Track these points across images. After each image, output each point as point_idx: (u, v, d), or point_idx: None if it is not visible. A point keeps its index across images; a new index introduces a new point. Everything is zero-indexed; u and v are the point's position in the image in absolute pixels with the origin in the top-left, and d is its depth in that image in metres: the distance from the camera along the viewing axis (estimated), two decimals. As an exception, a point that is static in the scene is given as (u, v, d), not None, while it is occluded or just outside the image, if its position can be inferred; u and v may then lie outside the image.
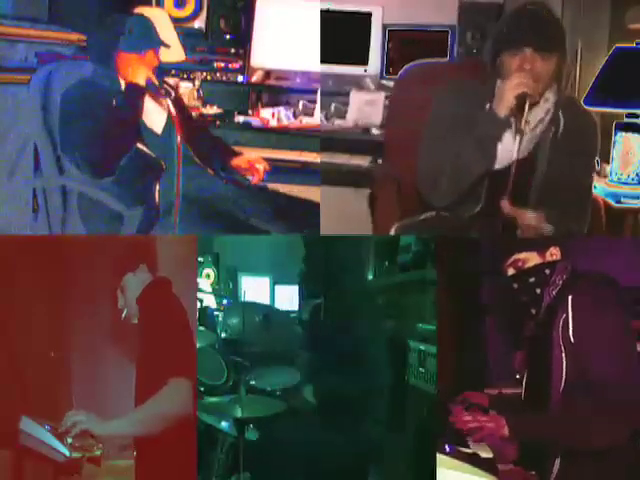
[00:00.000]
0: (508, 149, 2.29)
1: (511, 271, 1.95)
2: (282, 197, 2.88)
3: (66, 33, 3.20)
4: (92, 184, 2.54)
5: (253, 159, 2.75)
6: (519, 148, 2.26)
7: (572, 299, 1.83)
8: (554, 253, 1.94)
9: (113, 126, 2.41)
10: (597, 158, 3.15)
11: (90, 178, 2.50)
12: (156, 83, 2.50)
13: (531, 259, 1.93)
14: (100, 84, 2.50)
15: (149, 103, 2.56)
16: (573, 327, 1.81)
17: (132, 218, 2.53)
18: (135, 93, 2.48)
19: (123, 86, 2.50)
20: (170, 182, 2.53)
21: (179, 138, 2.49)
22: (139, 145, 2.53)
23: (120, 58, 2.48)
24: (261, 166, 2.71)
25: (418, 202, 2.48)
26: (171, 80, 3.59)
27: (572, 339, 1.81)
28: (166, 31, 3.39)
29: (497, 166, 2.30)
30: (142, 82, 2.47)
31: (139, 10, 3.29)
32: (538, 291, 1.91)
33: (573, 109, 2.41)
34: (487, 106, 2.30)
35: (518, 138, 2.25)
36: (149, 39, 2.51)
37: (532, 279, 1.91)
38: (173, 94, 2.63)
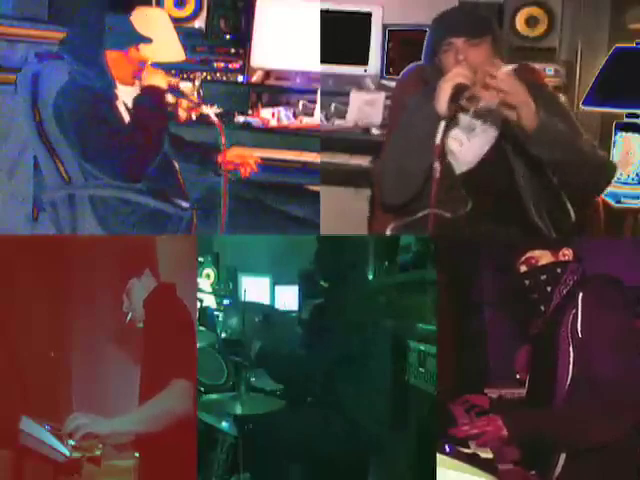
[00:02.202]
0: (468, 148, 2.28)
1: (524, 268, 1.98)
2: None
3: (66, 33, 3.20)
4: (126, 188, 2.56)
5: (244, 153, 2.80)
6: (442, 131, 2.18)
7: (582, 296, 1.85)
8: (566, 254, 1.97)
9: (142, 131, 2.43)
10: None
11: (125, 183, 2.53)
12: (178, 87, 2.53)
13: (544, 257, 1.96)
14: (92, 86, 2.48)
15: None
16: (582, 322, 1.83)
17: (179, 218, 2.58)
18: (159, 96, 2.51)
19: (138, 90, 2.51)
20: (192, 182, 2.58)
21: (223, 138, 2.54)
22: None
23: (108, 57, 2.49)
24: (252, 160, 2.78)
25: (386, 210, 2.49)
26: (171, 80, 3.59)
27: (580, 334, 1.82)
28: (166, 31, 3.41)
29: (466, 167, 2.30)
30: (164, 85, 2.49)
31: (139, 10, 3.30)
32: (549, 289, 1.93)
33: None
34: (428, 104, 2.24)
35: (463, 130, 2.23)
36: (129, 36, 2.52)
37: (544, 276, 1.94)
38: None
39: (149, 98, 2.50)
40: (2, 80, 2.97)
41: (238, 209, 2.64)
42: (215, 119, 2.59)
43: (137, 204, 2.57)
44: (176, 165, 2.71)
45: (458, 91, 2.16)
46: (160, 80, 2.51)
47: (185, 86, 3.66)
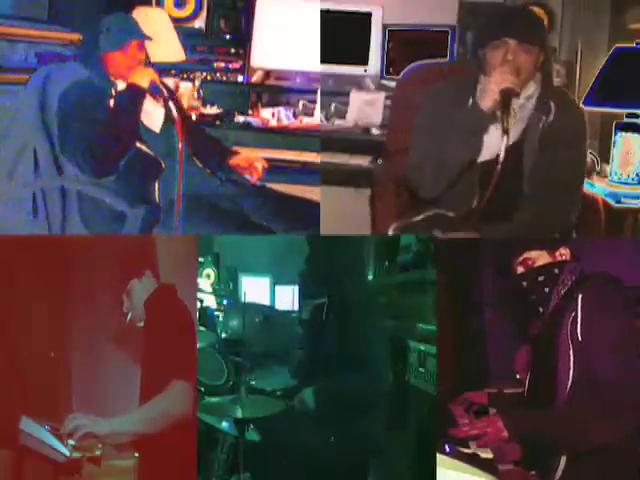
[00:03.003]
0: (494, 141, 2.30)
1: (521, 269, 1.97)
2: (282, 196, 2.90)
3: (66, 33, 3.20)
4: (93, 183, 2.56)
5: (252, 157, 2.76)
6: (506, 146, 2.25)
7: (582, 297, 1.84)
8: (563, 254, 1.96)
9: (114, 126, 2.43)
10: (592, 153, 3.19)
11: (91, 177, 2.52)
12: (160, 86, 2.51)
13: (541, 258, 1.96)
14: (95, 85, 2.51)
15: (147, 102, 2.56)
16: (581, 323, 1.82)
17: (135, 217, 2.56)
18: (137, 94, 2.49)
19: (124, 86, 2.51)
20: (170, 181, 2.56)
21: (179, 138, 2.51)
22: (138, 144, 2.55)
23: (107, 58, 2.50)
24: (260, 164, 2.72)
25: (417, 202, 2.50)
26: (171, 80, 3.59)
27: (580, 337, 1.82)
28: (166, 31, 3.41)
29: (485, 157, 2.32)
30: (145, 84, 2.48)
31: (139, 10, 3.30)
32: (547, 290, 1.93)
33: (564, 100, 2.42)
34: (470, 100, 2.31)
35: (505, 138, 2.25)
36: (128, 32, 2.51)
37: (541, 277, 1.93)
38: (173, 94, 2.65)
39: (128, 95, 2.49)
40: (2, 80, 2.97)
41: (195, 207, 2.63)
42: (175, 114, 2.56)
43: (104, 201, 2.58)
44: (162, 164, 2.68)
45: (507, 94, 2.22)
46: (142, 78, 2.50)
47: (185, 86, 3.67)
